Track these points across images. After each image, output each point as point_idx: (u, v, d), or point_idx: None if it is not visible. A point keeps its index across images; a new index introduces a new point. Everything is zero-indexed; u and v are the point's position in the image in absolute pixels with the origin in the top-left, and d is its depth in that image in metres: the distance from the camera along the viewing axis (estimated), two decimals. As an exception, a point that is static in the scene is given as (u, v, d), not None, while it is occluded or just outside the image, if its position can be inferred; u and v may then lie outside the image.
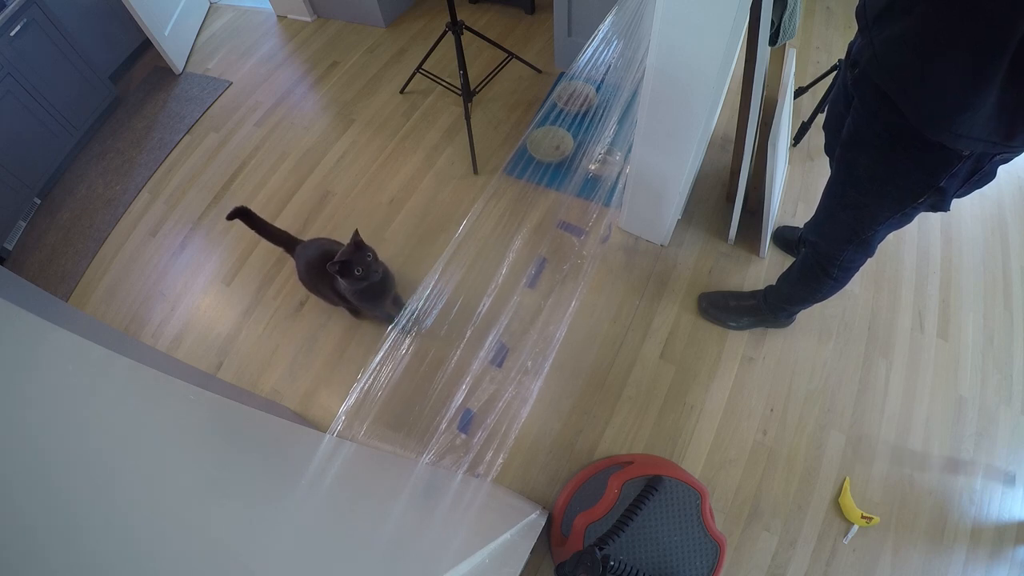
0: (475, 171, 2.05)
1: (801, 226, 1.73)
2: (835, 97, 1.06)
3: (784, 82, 1.54)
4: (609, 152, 1.83)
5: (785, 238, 1.71)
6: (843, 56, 1.72)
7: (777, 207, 1.72)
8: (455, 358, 1.46)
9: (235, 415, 0.84)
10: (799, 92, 2.04)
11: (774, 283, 1.45)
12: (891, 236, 1.72)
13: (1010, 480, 1.36)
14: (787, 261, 1.71)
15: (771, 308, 1.48)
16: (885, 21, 0.73)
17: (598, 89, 2.00)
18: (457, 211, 1.95)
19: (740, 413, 1.47)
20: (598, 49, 1.26)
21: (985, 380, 1.48)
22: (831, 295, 1.27)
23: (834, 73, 1.80)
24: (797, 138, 1.98)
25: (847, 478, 1.36)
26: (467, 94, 1.89)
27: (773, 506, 1.34)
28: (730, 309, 1.56)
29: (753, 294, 1.55)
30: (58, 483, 0.38)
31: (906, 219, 0.94)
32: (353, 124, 2.30)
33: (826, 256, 1.16)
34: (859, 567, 1.26)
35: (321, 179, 2.13)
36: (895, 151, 0.82)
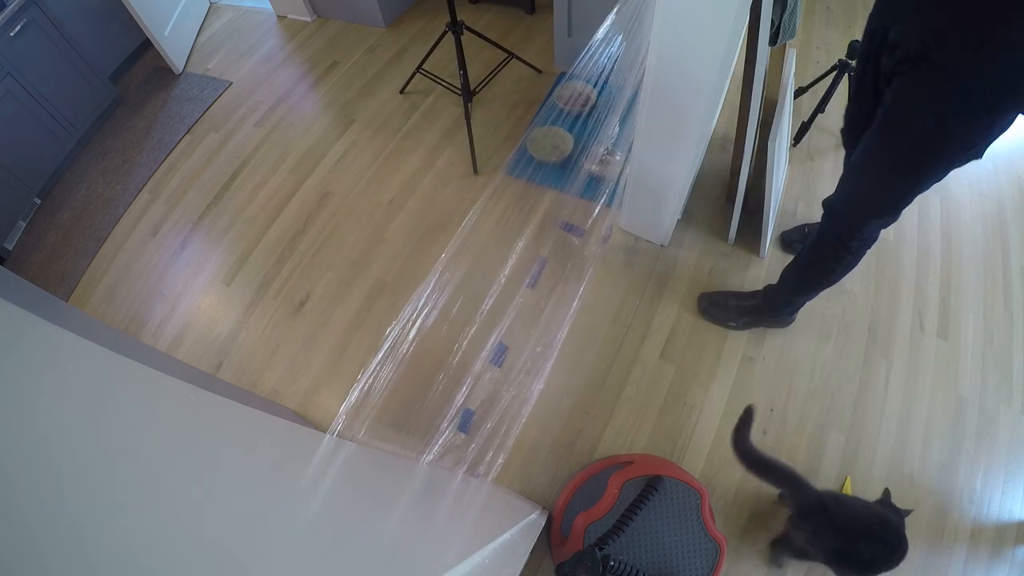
0: (475, 171, 2.05)
1: (801, 225, 1.73)
2: (857, 94, 1.10)
3: (784, 82, 1.54)
4: (609, 152, 1.83)
5: (793, 241, 1.70)
6: (843, 56, 1.73)
7: (777, 207, 1.72)
8: (455, 358, 1.46)
9: (235, 415, 0.83)
10: (799, 92, 2.04)
11: (775, 282, 1.45)
12: (891, 236, 1.73)
13: (1010, 480, 1.36)
14: (787, 261, 1.70)
15: (773, 305, 1.48)
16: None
17: (598, 89, 2.00)
18: (457, 211, 1.95)
19: (740, 413, 1.46)
20: (598, 49, 1.26)
21: (985, 380, 1.48)
22: (845, 274, 1.24)
23: (833, 73, 1.80)
24: (797, 138, 1.98)
25: (848, 477, 1.36)
26: (467, 94, 1.89)
27: (773, 506, 1.34)
28: (730, 308, 1.56)
29: (754, 294, 1.55)
30: (57, 483, 0.38)
31: (942, 176, 0.97)
32: (353, 124, 2.30)
33: (848, 230, 1.14)
34: (859, 567, 1.26)
35: (321, 179, 2.13)
36: (956, 116, 0.84)
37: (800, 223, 1.75)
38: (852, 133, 1.20)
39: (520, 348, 1.59)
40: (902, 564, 1.02)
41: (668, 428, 1.46)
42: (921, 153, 0.94)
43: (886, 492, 1.22)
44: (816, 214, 1.80)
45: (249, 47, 2.78)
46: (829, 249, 1.21)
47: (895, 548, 1.01)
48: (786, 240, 1.72)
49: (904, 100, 0.91)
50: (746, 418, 1.20)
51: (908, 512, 1.12)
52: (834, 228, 1.17)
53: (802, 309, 1.54)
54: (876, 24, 0.96)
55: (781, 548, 1.22)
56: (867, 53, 1.00)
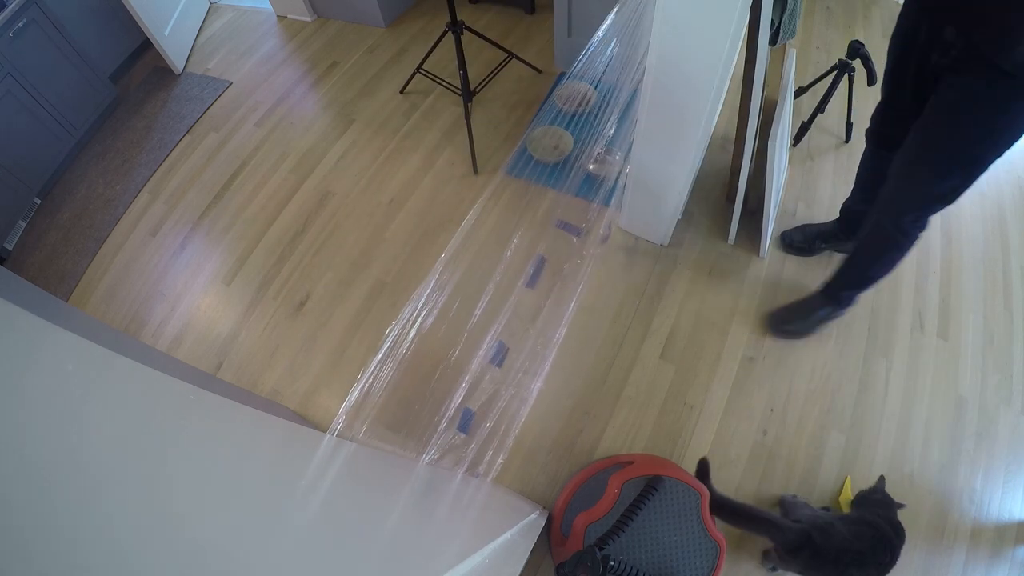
0: (475, 171, 2.05)
1: (802, 225, 1.73)
2: (893, 91, 1.16)
3: (784, 82, 1.54)
4: (609, 152, 1.83)
5: (793, 241, 1.70)
6: (843, 56, 1.73)
7: (777, 207, 1.72)
8: (455, 358, 1.46)
9: (235, 415, 0.83)
10: (799, 92, 2.04)
11: (832, 279, 1.47)
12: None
13: (1010, 480, 1.36)
14: (787, 260, 1.71)
15: (842, 304, 1.49)
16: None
17: (597, 89, 2.00)
18: (457, 211, 1.95)
19: (740, 413, 1.47)
20: (598, 49, 1.26)
21: (985, 380, 1.48)
22: (902, 259, 1.30)
23: (833, 73, 1.80)
24: (797, 138, 1.98)
25: (848, 477, 1.36)
26: (467, 94, 1.89)
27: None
28: (805, 319, 1.54)
29: (819, 299, 1.52)
30: (57, 483, 0.38)
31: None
32: (353, 124, 2.30)
33: (912, 220, 1.18)
34: (859, 567, 1.26)
35: (321, 179, 2.13)
36: (1018, 102, 0.88)
37: (800, 223, 1.75)
38: (885, 129, 1.22)
39: (520, 348, 1.59)
40: (902, 562, 1.03)
41: (668, 428, 1.46)
42: (984, 147, 0.97)
43: (881, 479, 1.23)
44: (816, 214, 1.81)
45: (249, 47, 2.78)
46: (894, 242, 1.24)
47: (889, 564, 1.04)
48: (786, 240, 1.72)
49: (965, 99, 0.94)
50: (703, 470, 1.23)
51: (900, 506, 1.14)
52: (892, 219, 1.20)
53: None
54: (919, 21, 0.98)
55: (772, 559, 1.23)
56: (908, 49, 1.02)
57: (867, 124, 1.34)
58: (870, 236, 1.29)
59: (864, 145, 1.40)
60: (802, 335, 1.56)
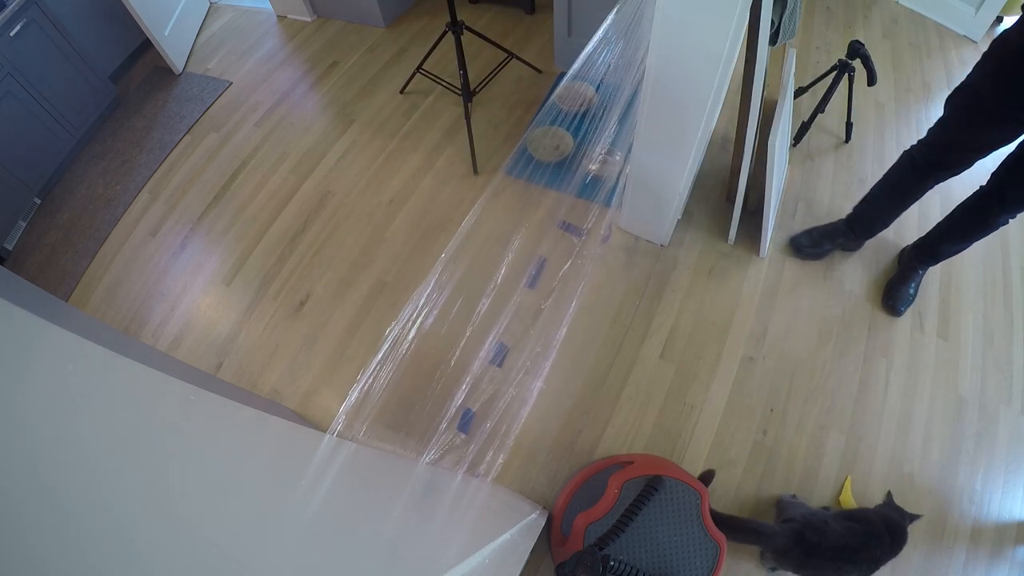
0: (475, 171, 2.05)
1: (810, 229, 1.72)
2: (970, 133, 1.22)
3: (784, 82, 1.55)
4: (609, 152, 1.83)
5: (802, 245, 1.70)
6: (843, 56, 1.73)
7: (777, 207, 1.72)
8: (455, 358, 1.46)
9: (235, 415, 0.83)
10: (799, 92, 2.04)
11: (926, 242, 1.54)
12: (891, 236, 1.73)
13: (1010, 480, 1.36)
14: (787, 260, 1.71)
15: (939, 259, 1.56)
16: None
17: (598, 89, 2.00)
18: (457, 211, 1.95)
19: (740, 413, 1.47)
20: (598, 49, 1.26)
21: (985, 380, 1.48)
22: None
23: (833, 73, 1.80)
24: (797, 138, 1.98)
25: (848, 477, 1.36)
26: (467, 94, 1.89)
27: (772, 506, 1.34)
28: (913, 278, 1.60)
29: (915, 266, 1.59)
30: (57, 483, 0.38)
31: None
32: (353, 124, 2.30)
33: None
34: (859, 567, 1.26)
35: (321, 179, 2.13)
36: None
37: (800, 223, 1.75)
38: (949, 157, 1.29)
39: (520, 348, 1.59)
40: (902, 563, 1.03)
41: (668, 428, 1.46)
42: None
43: (888, 495, 1.23)
44: (816, 214, 1.81)
45: (249, 47, 2.78)
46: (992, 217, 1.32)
47: (880, 559, 1.05)
48: (795, 245, 1.70)
49: None
50: (706, 481, 1.24)
51: (915, 517, 1.14)
52: (1008, 216, 1.29)
53: (803, 309, 1.58)
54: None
55: (769, 559, 1.23)
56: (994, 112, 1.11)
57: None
58: (969, 211, 1.35)
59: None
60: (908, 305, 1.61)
